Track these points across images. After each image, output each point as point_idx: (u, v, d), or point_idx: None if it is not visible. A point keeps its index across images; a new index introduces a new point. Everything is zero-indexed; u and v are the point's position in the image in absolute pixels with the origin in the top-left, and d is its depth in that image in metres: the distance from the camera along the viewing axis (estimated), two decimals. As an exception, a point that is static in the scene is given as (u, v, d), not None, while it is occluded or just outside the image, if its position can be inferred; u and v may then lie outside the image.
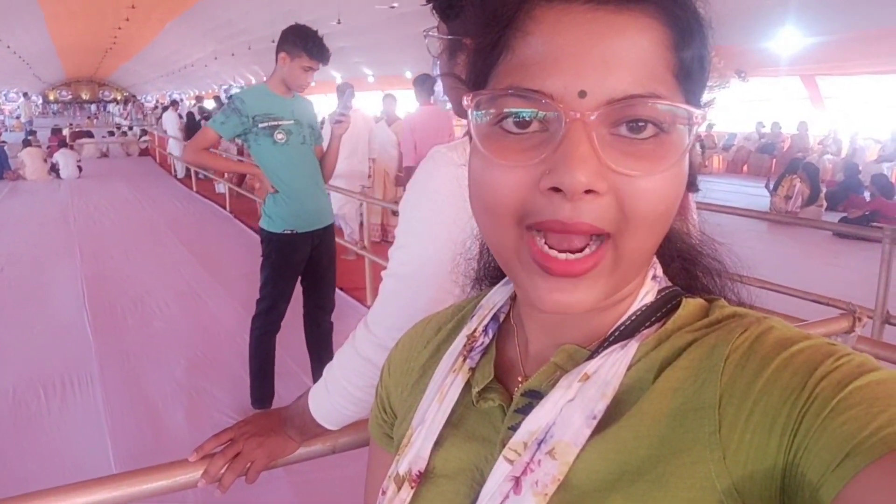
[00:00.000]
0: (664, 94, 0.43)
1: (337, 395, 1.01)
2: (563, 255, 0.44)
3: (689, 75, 0.46)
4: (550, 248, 0.44)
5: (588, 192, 0.42)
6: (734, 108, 14.41)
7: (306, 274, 3.28)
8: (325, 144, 3.27)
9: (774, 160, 13.92)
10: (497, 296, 0.59)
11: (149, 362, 4.13)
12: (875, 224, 7.04)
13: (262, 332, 3.20)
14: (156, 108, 19.63)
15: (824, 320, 1.56)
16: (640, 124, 0.43)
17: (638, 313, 0.51)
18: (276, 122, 2.97)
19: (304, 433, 1.06)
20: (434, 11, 1.07)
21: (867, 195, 9.38)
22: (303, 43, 2.90)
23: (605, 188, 0.42)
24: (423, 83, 5.61)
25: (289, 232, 3.09)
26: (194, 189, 11.51)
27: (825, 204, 9.37)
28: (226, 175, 9.14)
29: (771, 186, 9.23)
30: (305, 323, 3.41)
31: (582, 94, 0.42)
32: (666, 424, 0.44)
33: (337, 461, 1.19)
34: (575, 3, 0.44)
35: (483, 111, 0.46)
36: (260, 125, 2.94)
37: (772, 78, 13.76)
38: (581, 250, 0.44)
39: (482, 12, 0.48)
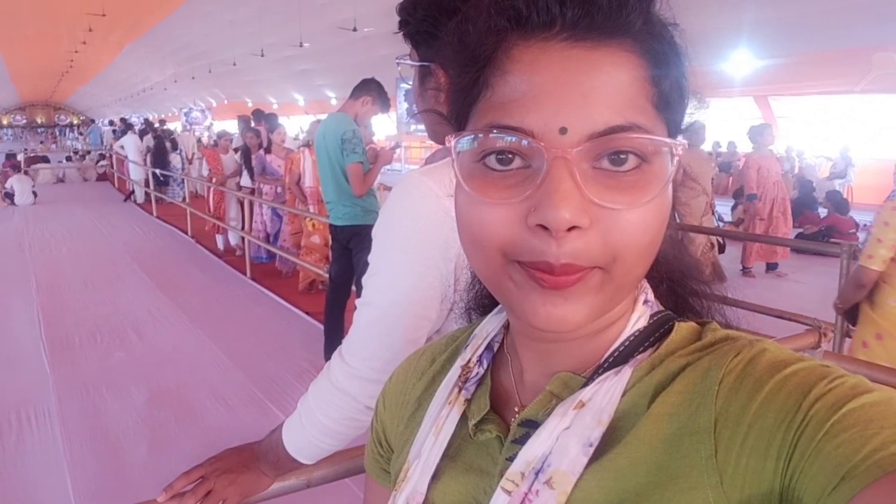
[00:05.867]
0: (645, 124, 0.43)
1: (312, 428, 0.99)
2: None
3: (669, 104, 0.46)
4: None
5: (572, 228, 0.42)
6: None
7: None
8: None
9: (731, 178, 14.27)
10: (490, 325, 0.59)
11: (109, 395, 4.01)
12: (833, 240, 7.24)
13: None
14: (113, 126, 18.83)
15: (792, 336, 1.60)
16: (622, 156, 0.43)
17: (631, 338, 0.50)
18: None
19: (278, 468, 1.03)
20: (406, 38, 1.07)
21: (821, 211, 9.64)
22: (383, 99, 3.66)
23: (589, 223, 0.42)
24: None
25: None
26: (154, 214, 11.31)
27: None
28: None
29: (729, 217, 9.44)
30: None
31: (563, 130, 0.42)
32: (662, 450, 0.44)
33: (312, 496, 1.16)
34: (552, 40, 0.44)
35: (466, 149, 0.46)
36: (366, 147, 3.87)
37: (726, 98, 14.15)
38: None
39: (460, 51, 0.48)
